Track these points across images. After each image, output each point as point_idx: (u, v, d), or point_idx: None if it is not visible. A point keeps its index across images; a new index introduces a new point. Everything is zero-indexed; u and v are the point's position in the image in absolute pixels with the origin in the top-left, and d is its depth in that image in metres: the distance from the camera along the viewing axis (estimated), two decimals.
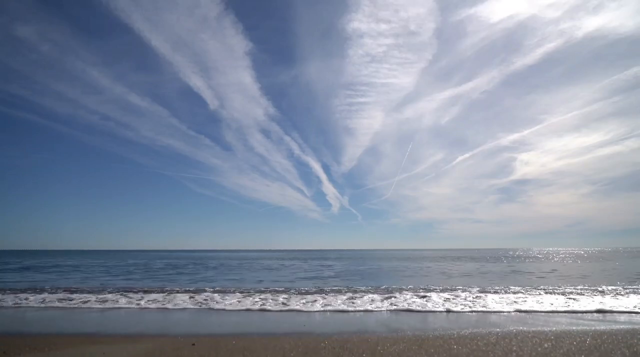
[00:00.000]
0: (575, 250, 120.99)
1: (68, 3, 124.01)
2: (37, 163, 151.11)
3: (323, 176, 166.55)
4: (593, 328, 7.81)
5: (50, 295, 13.99)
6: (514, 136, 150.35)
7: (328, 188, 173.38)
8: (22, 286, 17.45)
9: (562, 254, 76.55)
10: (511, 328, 7.82)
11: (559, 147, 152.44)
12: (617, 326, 8.07)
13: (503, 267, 31.82)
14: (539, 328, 7.82)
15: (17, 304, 12.11)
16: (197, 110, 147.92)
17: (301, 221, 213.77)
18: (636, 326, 8.10)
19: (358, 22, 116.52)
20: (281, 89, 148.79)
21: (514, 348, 6.08)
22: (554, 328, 7.83)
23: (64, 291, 15.52)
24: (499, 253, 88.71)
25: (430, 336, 7.12)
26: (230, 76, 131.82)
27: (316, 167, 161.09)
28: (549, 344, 6.38)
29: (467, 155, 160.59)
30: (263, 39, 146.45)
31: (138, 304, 11.84)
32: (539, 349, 6.05)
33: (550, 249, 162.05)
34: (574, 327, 7.90)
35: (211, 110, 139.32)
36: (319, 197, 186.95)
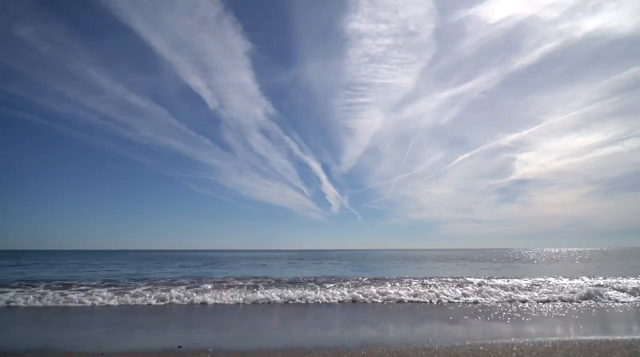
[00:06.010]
0: (569, 250, 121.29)
1: (68, 3, 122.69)
2: (37, 163, 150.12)
3: (323, 176, 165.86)
4: None
5: None
6: (514, 136, 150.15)
7: (328, 188, 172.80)
8: None
9: (557, 253, 76.67)
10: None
11: (558, 147, 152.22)
12: None
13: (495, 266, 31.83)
14: None
15: None
16: (197, 110, 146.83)
17: (301, 221, 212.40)
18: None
19: (357, 23, 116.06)
20: (281, 89, 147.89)
21: (514, 348, 6.08)
22: None
23: None
24: (494, 253, 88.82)
25: None
26: (229, 76, 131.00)
27: (316, 167, 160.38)
28: (549, 344, 6.38)
29: (466, 155, 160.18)
30: (262, 39, 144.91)
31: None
32: (539, 348, 6.05)
33: (548, 249, 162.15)
34: None
35: (211, 110, 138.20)
36: (319, 197, 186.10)
